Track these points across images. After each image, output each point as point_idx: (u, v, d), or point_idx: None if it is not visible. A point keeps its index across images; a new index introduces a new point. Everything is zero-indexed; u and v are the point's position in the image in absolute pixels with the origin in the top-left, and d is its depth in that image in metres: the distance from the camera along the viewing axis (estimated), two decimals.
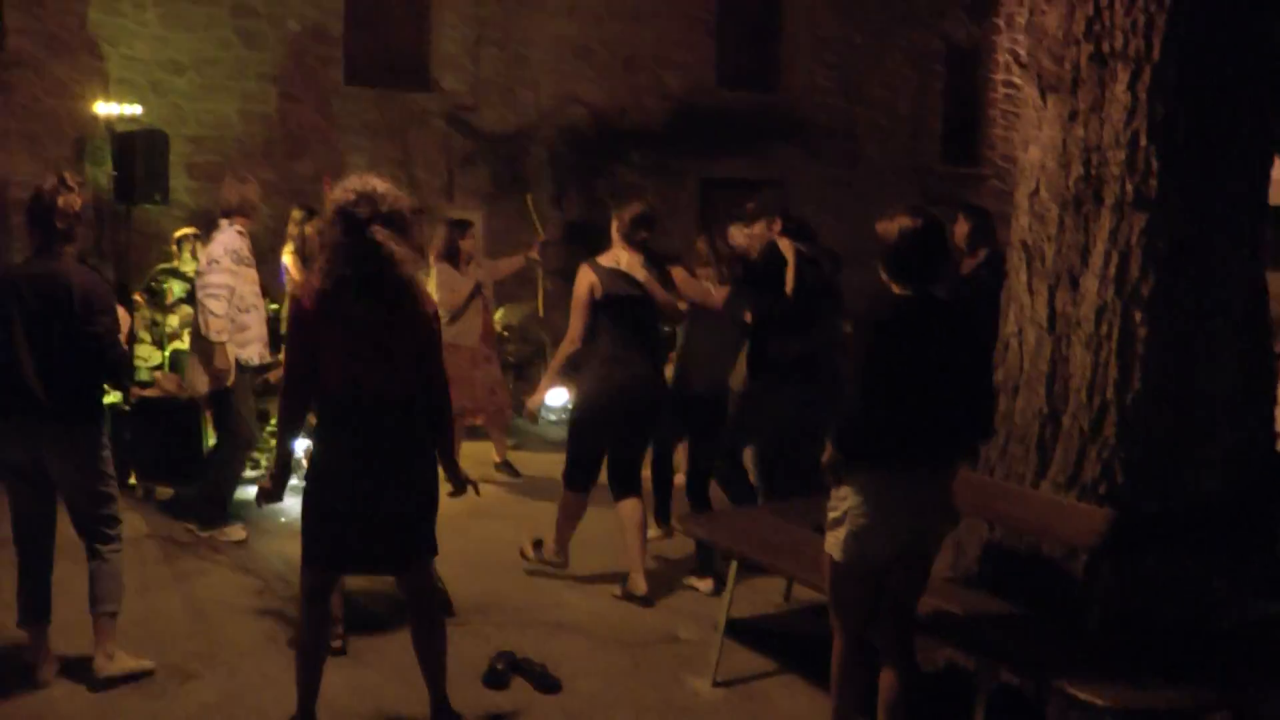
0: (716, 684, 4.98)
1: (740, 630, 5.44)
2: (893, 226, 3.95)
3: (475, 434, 9.01)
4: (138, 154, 7.89)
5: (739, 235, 6.53)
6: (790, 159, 14.07)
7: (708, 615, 5.29)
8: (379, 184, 4.09)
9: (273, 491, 4.28)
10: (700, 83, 13.84)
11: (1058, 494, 4.63)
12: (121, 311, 4.99)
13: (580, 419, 6.03)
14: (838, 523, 3.96)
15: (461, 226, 8.54)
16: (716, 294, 6.34)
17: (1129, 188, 4.49)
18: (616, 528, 6.11)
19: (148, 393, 7.76)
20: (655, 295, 5.90)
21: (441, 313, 8.06)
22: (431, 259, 8.34)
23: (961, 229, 7.16)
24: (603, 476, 6.12)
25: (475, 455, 8.83)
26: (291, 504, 6.91)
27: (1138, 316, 4.51)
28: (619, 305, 5.84)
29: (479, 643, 5.29)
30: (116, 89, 10.71)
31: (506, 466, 8.72)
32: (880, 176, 14.51)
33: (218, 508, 6.92)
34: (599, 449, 6.01)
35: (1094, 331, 4.59)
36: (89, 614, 4.86)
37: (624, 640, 5.45)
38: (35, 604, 4.89)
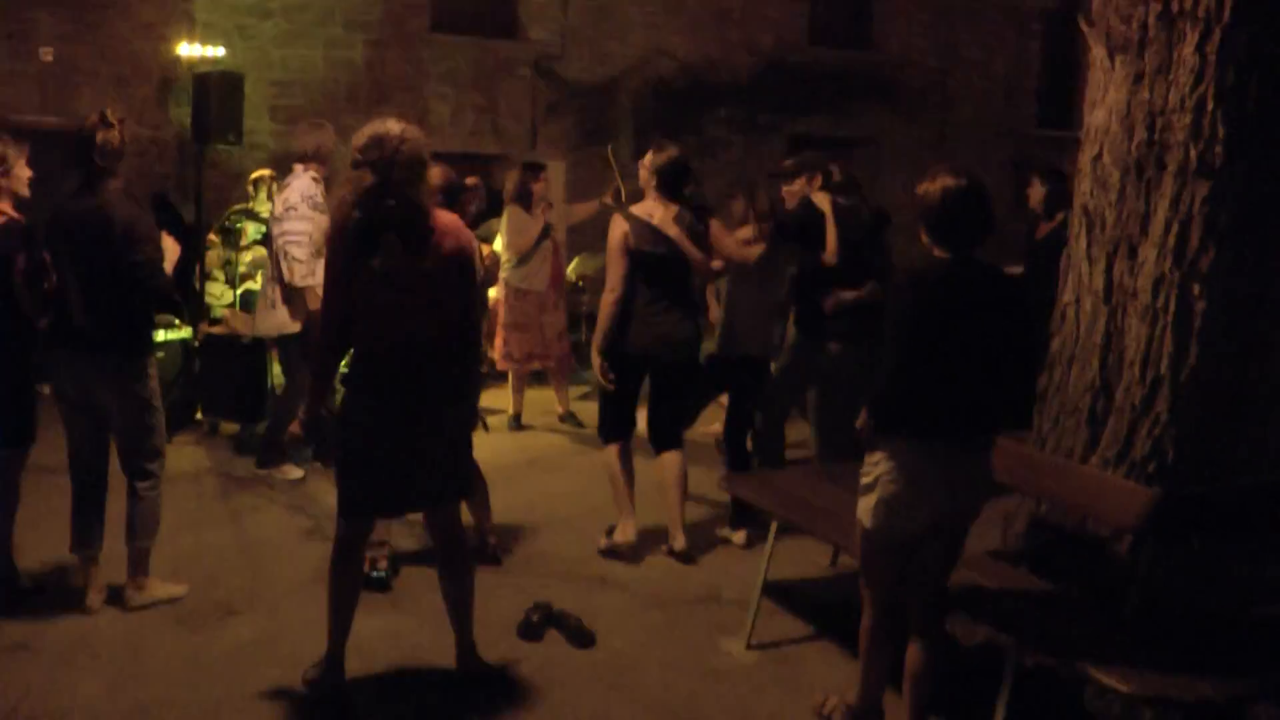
0: (750, 646, 4.90)
1: (781, 593, 5.36)
2: (934, 187, 3.78)
3: (540, 379, 9.04)
4: (212, 96, 7.94)
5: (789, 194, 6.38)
6: (880, 119, 13.83)
7: (752, 576, 5.22)
8: (394, 126, 4.00)
9: (303, 440, 4.31)
10: (791, 39, 13.64)
11: (1106, 470, 4.46)
12: (170, 242, 5.02)
13: (611, 369, 5.92)
14: (868, 489, 3.86)
15: (534, 169, 8.49)
16: (753, 247, 6.14)
17: (1193, 154, 4.27)
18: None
19: (216, 330, 7.89)
20: (687, 252, 5.73)
21: (509, 255, 8.23)
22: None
23: (1037, 192, 6.92)
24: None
25: (540, 403, 8.88)
26: None
27: (1196, 290, 4.30)
28: (649, 261, 5.71)
29: (519, 594, 5.27)
30: (202, 32, 10.87)
31: (570, 417, 8.72)
32: (972, 139, 14.19)
33: (277, 447, 7.02)
34: (627, 402, 5.95)
35: (1150, 303, 4.39)
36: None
37: (665, 598, 5.40)
38: (87, 532, 5.01)
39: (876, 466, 3.83)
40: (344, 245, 3.97)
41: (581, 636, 4.92)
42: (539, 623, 4.98)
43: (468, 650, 4.46)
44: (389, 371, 4.05)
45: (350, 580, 4.30)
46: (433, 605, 4.90)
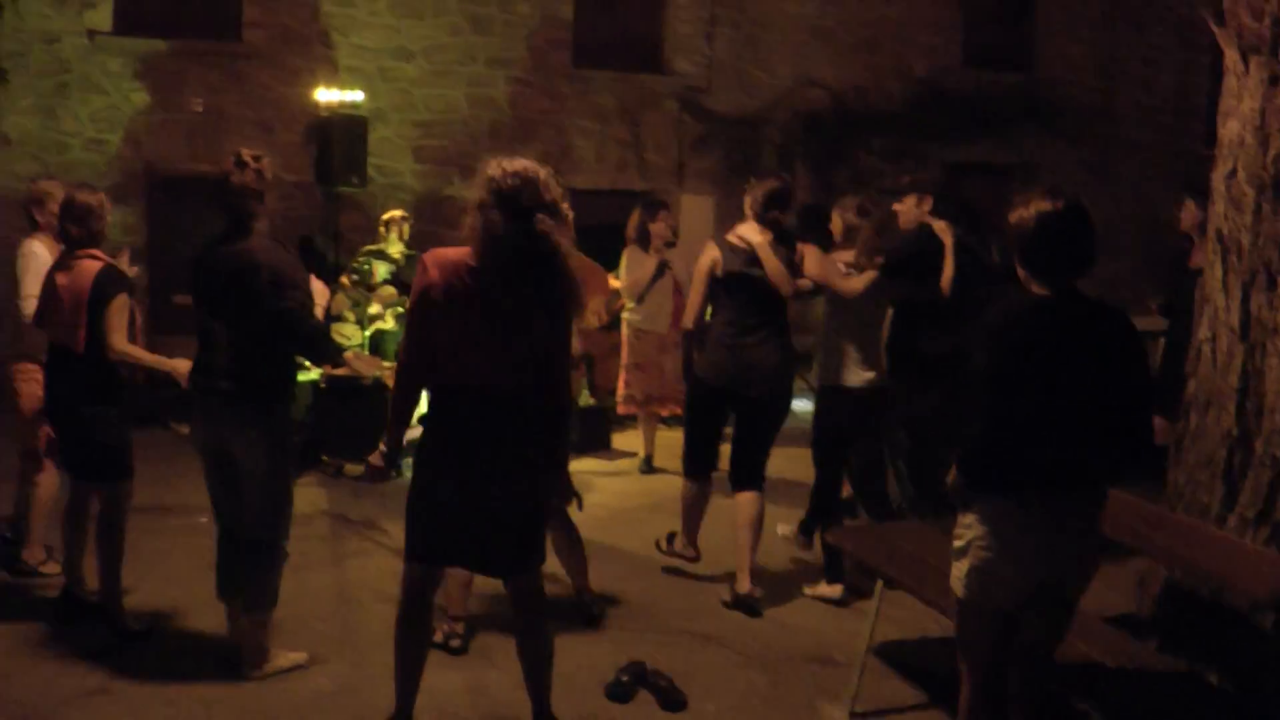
0: (854, 714, 4.55)
1: (892, 655, 5.00)
2: (1029, 212, 3.38)
3: (669, 422, 8.79)
4: (334, 139, 8.00)
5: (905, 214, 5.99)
6: (1040, 142, 13.21)
7: (863, 635, 4.87)
8: (540, 169, 3.79)
9: (381, 471, 4.13)
10: (946, 63, 13.17)
11: (1244, 531, 3.96)
12: (319, 286, 4.94)
13: (692, 401, 5.76)
14: (961, 553, 3.47)
15: (652, 208, 8.29)
16: (855, 280, 5.68)
17: None
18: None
19: (339, 371, 7.89)
20: (767, 265, 5.48)
21: (627, 295, 8.05)
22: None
23: (1190, 216, 6.34)
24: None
25: (668, 445, 8.62)
26: None
27: None
28: (738, 282, 5.53)
29: (615, 649, 5.06)
30: (345, 77, 11.05)
31: None
32: (1137, 161, 13.44)
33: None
34: (711, 434, 5.74)
35: None
36: None
37: (768, 658, 5.08)
38: (227, 583, 4.79)
39: (969, 529, 3.44)
40: (460, 279, 3.76)
41: (672, 699, 4.64)
42: (629, 683, 4.74)
43: (542, 716, 4.21)
44: (465, 414, 3.84)
45: (415, 633, 4.07)
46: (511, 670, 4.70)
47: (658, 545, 6.12)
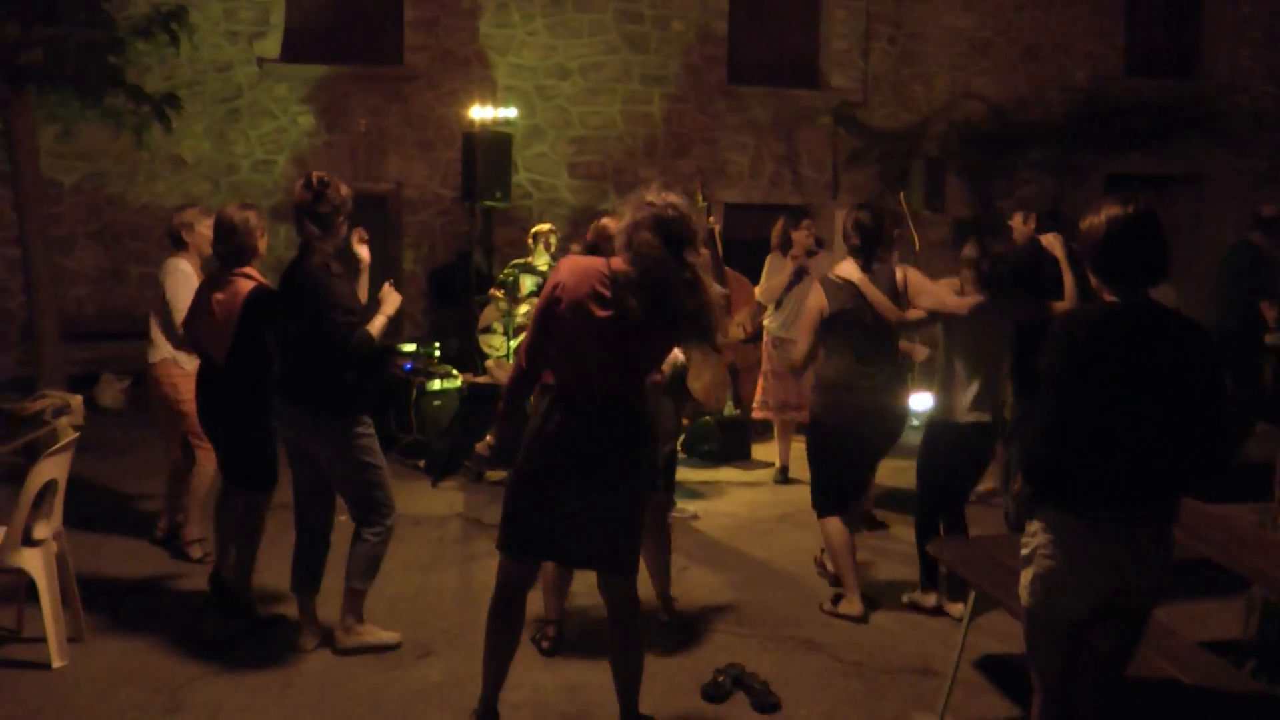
0: None
1: (993, 667, 4.90)
2: (1099, 218, 3.30)
3: (803, 431, 8.73)
4: (479, 155, 8.27)
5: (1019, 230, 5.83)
6: (1205, 153, 12.66)
7: (969, 646, 4.79)
8: (686, 203, 3.97)
9: (489, 460, 4.31)
10: (1109, 72, 12.76)
11: None
12: (390, 292, 5.12)
13: (815, 444, 5.68)
14: (1026, 561, 3.39)
15: (796, 217, 8.31)
16: (966, 298, 5.53)
17: None
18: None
19: (480, 379, 8.14)
20: (879, 305, 5.43)
21: (765, 302, 8.09)
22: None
23: None
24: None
25: (803, 455, 8.57)
26: None
27: None
28: (846, 321, 5.47)
29: (718, 651, 5.13)
30: (503, 95, 11.39)
31: None
32: None
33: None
34: (841, 474, 5.63)
35: None
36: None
37: (868, 666, 5.03)
38: (303, 575, 5.14)
39: (1034, 538, 3.37)
40: (601, 292, 3.88)
41: (765, 702, 4.67)
42: (725, 684, 4.79)
43: (631, 714, 4.26)
44: (575, 419, 3.96)
45: (506, 626, 4.19)
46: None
47: (821, 608, 5.72)
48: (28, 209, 8.97)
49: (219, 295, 5.36)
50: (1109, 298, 3.32)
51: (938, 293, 5.59)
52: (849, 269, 5.51)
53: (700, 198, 8.83)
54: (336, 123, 11.43)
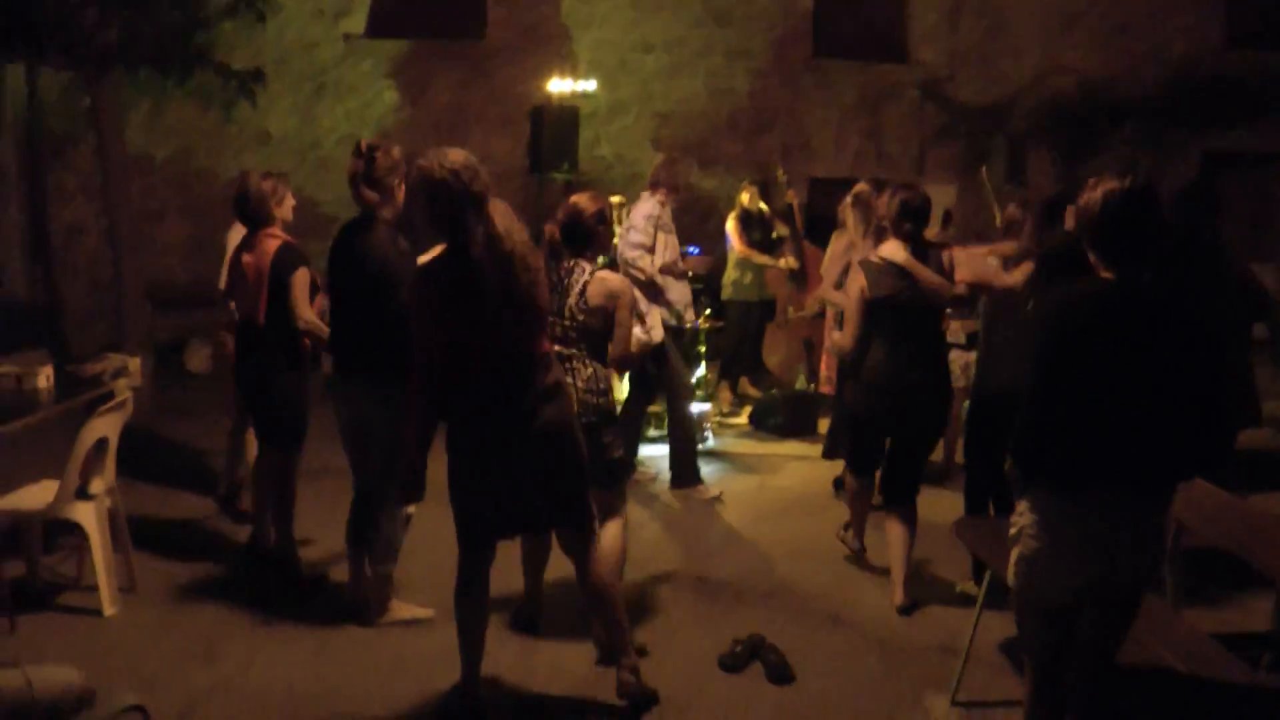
0: (955, 703, 4.42)
1: (1016, 650, 4.81)
2: (1095, 194, 3.22)
3: None
4: (545, 128, 8.33)
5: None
6: None
7: (984, 627, 4.72)
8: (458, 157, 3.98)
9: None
10: (1205, 45, 12.35)
11: None
12: None
13: (856, 422, 5.64)
14: (1014, 541, 3.34)
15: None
16: (1014, 273, 5.33)
17: None
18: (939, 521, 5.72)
19: None
20: (919, 276, 5.21)
21: (828, 281, 7.99)
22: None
23: None
24: None
25: None
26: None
27: None
28: (888, 304, 5.25)
29: (742, 622, 5.11)
30: (587, 69, 11.42)
31: None
32: None
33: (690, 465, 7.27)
34: (878, 442, 5.57)
35: None
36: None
37: (892, 644, 4.98)
38: (356, 532, 5.08)
39: (1020, 517, 3.31)
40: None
41: (780, 673, 4.65)
42: (741, 654, 4.78)
43: (613, 653, 4.34)
44: (480, 392, 3.99)
45: (470, 607, 4.24)
46: (639, 634, 4.86)
47: (839, 535, 6.08)
48: (113, 183, 9.29)
49: (248, 257, 5.56)
50: (1105, 275, 3.24)
51: (991, 271, 5.40)
52: (893, 250, 5.31)
53: (780, 172, 8.80)
54: (420, 98, 11.60)
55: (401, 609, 5.15)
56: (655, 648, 4.84)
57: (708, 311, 9.11)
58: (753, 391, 9.87)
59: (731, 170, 11.71)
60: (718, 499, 7.11)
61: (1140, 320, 3.14)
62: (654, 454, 8.14)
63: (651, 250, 6.94)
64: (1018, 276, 5.29)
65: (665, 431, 8.45)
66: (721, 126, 12.00)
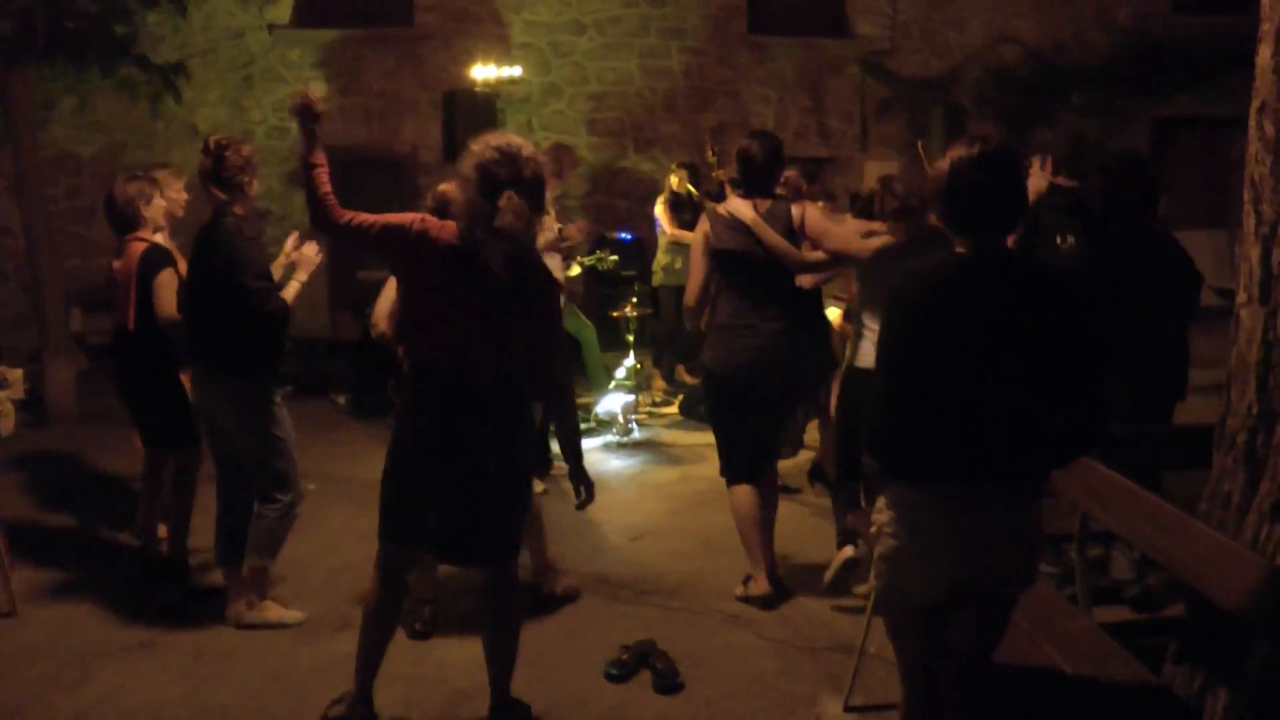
0: (849, 708, 4.23)
1: None
2: (944, 161, 2.99)
3: None
4: (459, 115, 8.11)
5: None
6: None
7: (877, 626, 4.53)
8: (523, 145, 3.67)
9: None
10: (1153, 10, 12.15)
11: (1262, 526, 3.42)
12: (302, 251, 5.05)
13: (709, 399, 5.26)
14: (875, 541, 3.15)
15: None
16: (872, 240, 4.98)
17: None
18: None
19: None
20: (771, 244, 4.90)
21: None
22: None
23: None
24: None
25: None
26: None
27: None
28: (733, 261, 4.98)
29: (637, 625, 4.95)
30: (518, 54, 11.19)
31: None
32: None
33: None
34: (741, 432, 5.15)
35: None
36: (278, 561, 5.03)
37: (790, 645, 4.80)
38: (224, 548, 5.04)
39: (880, 514, 3.10)
40: (443, 255, 3.69)
41: (667, 683, 4.46)
42: (629, 661, 4.59)
43: (500, 703, 4.09)
44: (441, 396, 3.74)
45: (383, 610, 4.00)
46: (529, 637, 4.61)
47: (735, 594, 5.30)
48: (29, 182, 9.03)
49: (117, 263, 5.47)
50: (960, 249, 3.02)
51: (842, 234, 5.04)
52: (739, 206, 4.98)
53: (710, 152, 8.58)
54: (350, 86, 11.36)
55: (272, 609, 5.03)
56: (544, 655, 4.68)
57: (634, 299, 8.89)
58: (689, 379, 9.68)
59: (669, 151, 11.50)
60: (544, 493, 6.66)
61: (996, 297, 2.90)
62: None
63: None
64: (874, 243, 4.98)
65: (591, 424, 8.29)
66: (658, 107, 11.78)
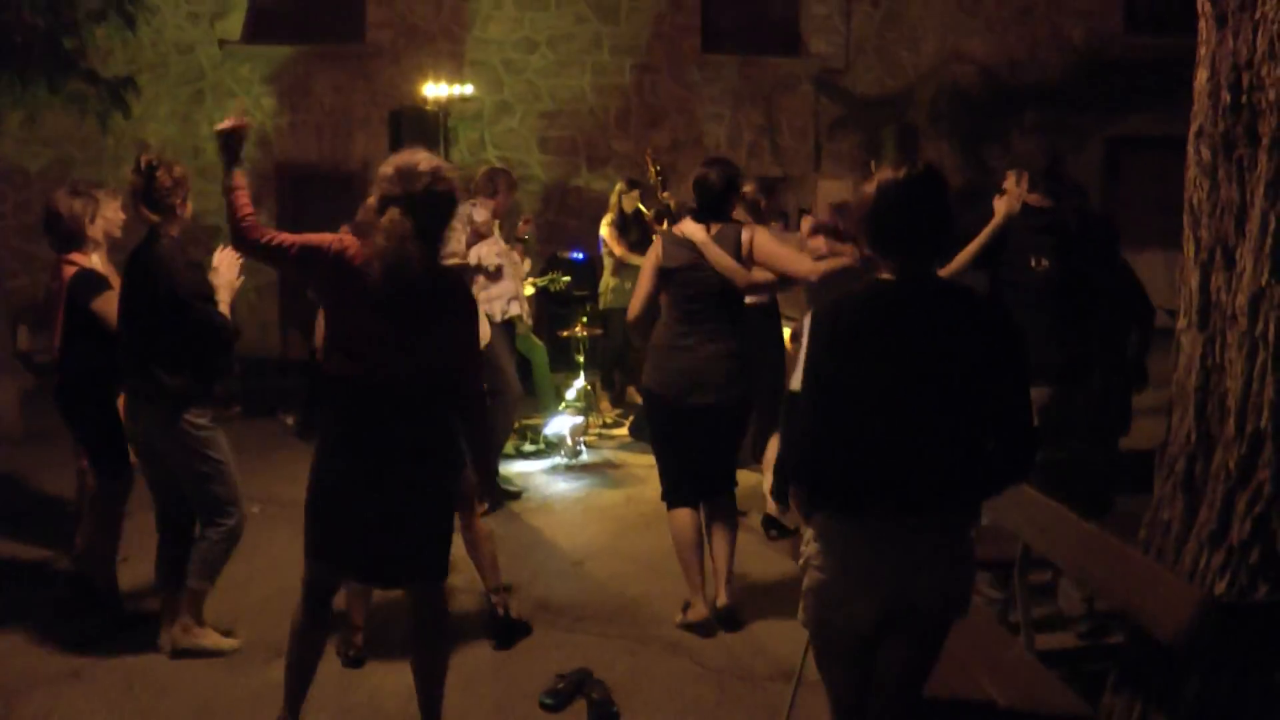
0: None
1: None
2: (871, 185, 2.96)
3: None
4: (404, 132, 8.04)
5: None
6: None
7: None
8: (422, 160, 3.65)
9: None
10: (1107, 29, 12.23)
11: (1200, 555, 3.37)
12: (220, 260, 4.93)
13: (649, 419, 5.22)
14: (803, 570, 3.08)
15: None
16: (821, 264, 5.01)
17: None
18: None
19: None
20: (711, 258, 4.90)
21: None
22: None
23: None
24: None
25: None
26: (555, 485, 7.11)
27: None
28: (681, 280, 4.97)
29: (576, 654, 4.84)
30: (470, 70, 11.12)
31: None
32: None
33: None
34: (678, 455, 5.10)
35: (1248, 329, 3.28)
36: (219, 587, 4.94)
37: (729, 672, 4.71)
38: (163, 575, 4.94)
39: (808, 546, 3.03)
40: (354, 274, 3.63)
41: (602, 713, 4.37)
42: (565, 690, 4.50)
43: None
44: (361, 413, 3.66)
45: (312, 636, 3.91)
46: (462, 663, 4.62)
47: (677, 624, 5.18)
48: None
49: (53, 284, 5.32)
50: (885, 275, 2.97)
51: (788, 255, 5.03)
52: (691, 227, 5.01)
53: (652, 170, 8.47)
54: (301, 102, 11.24)
55: (209, 635, 4.91)
56: (478, 681, 4.58)
57: (584, 319, 8.82)
58: (639, 400, 9.59)
59: (621, 169, 11.43)
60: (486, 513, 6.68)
61: (920, 321, 2.86)
62: (526, 469, 7.87)
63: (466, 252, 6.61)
64: (823, 265, 5.00)
65: (540, 446, 8.19)
66: (610, 124, 11.73)
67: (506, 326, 6.95)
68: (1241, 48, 3.25)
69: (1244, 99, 3.26)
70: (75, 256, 5.26)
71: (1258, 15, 3.19)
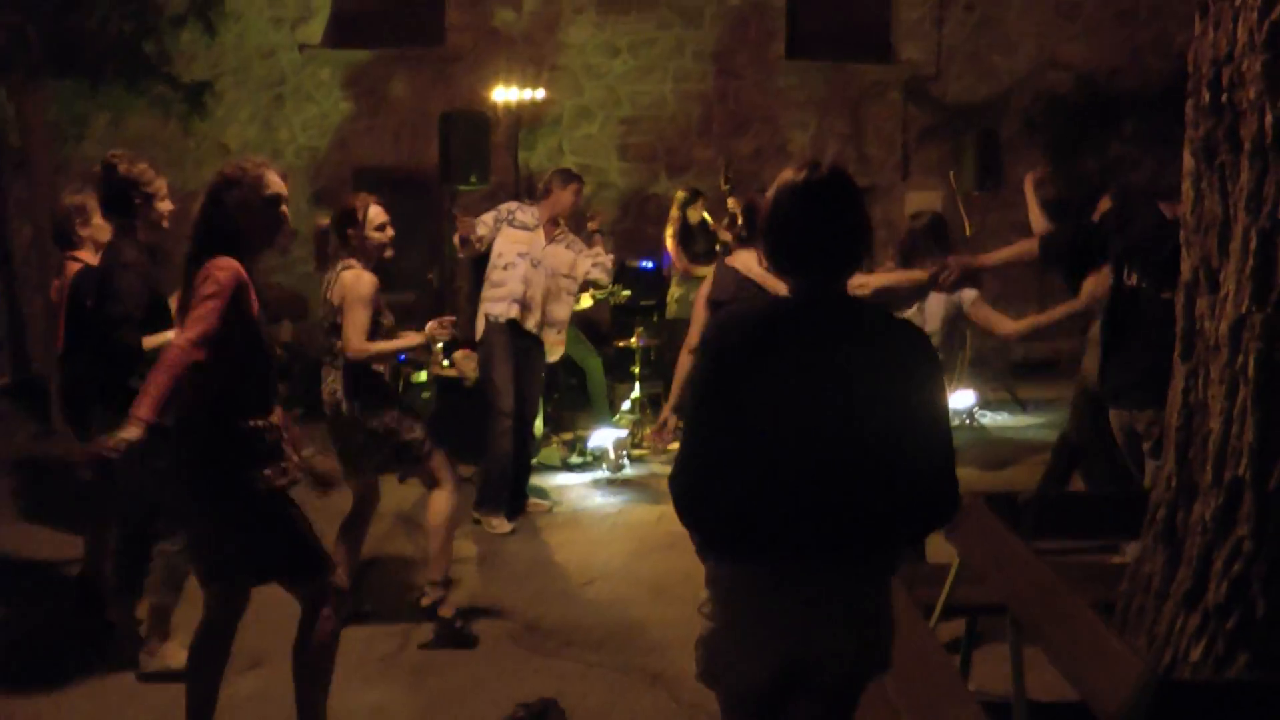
0: None
1: None
2: (771, 191, 2.63)
3: None
4: (454, 137, 7.89)
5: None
6: None
7: None
8: (231, 165, 3.81)
9: None
10: None
11: (1179, 614, 3.00)
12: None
13: None
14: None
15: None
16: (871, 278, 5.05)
17: (1269, 121, 2.76)
18: None
19: (447, 372, 7.78)
20: (769, 290, 4.68)
21: None
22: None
23: None
24: None
25: None
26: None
27: None
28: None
29: (552, 681, 4.60)
30: (550, 75, 10.98)
31: None
32: None
33: (489, 490, 6.69)
34: None
35: (1229, 361, 2.90)
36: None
37: (704, 710, 4.27)
38: (122, 579, 4.89)
39: (703, 592, 2.72)
40: None
41: None
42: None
43: None
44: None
45: (215, 658, 3.91)
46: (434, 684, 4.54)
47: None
48: (39, 198, 9.07)
49: (57, 281, 5.36)
50: (787, 291, 2.67)
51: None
52: (745, 258, 4.87)
53: (723, 181, 8.27)
54: (380, 105, 11.26)
55: (177, 654, 4.69)
56: (439, 707, 4.40)
57: (640, 330, 8.60)
58: None
59: (702, 177, 11.17)
60: (512, 533, 6.57)
61: (827, 346, 2.52)
62: (566, 482, 7.67)
63: None
64: (874, 280, 5.01)
65: (586, 459, 7.98)
66: (692, 132, 11.47)
67: (509, 328, 6.67)
68: (1221, 40, 2.89)
69: (1224, 98, 2.90)
70: (78, 253, 5.25)
71: (1238, 3, 2.82)
